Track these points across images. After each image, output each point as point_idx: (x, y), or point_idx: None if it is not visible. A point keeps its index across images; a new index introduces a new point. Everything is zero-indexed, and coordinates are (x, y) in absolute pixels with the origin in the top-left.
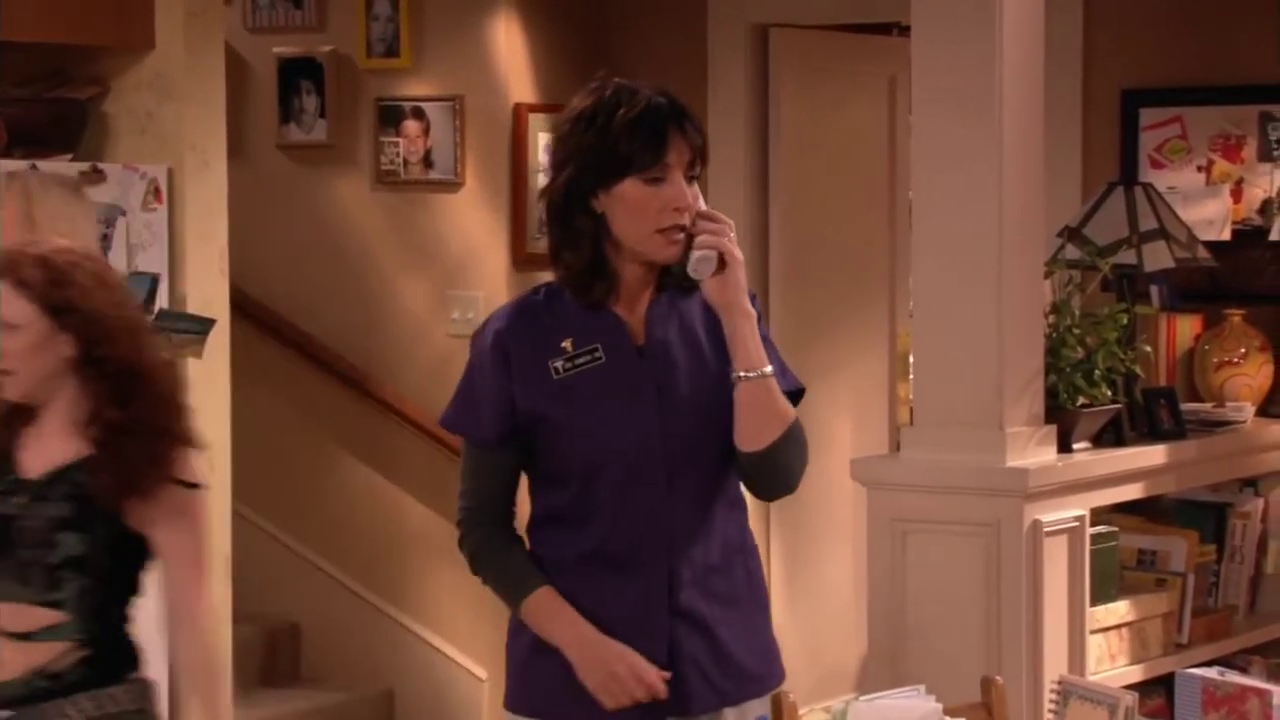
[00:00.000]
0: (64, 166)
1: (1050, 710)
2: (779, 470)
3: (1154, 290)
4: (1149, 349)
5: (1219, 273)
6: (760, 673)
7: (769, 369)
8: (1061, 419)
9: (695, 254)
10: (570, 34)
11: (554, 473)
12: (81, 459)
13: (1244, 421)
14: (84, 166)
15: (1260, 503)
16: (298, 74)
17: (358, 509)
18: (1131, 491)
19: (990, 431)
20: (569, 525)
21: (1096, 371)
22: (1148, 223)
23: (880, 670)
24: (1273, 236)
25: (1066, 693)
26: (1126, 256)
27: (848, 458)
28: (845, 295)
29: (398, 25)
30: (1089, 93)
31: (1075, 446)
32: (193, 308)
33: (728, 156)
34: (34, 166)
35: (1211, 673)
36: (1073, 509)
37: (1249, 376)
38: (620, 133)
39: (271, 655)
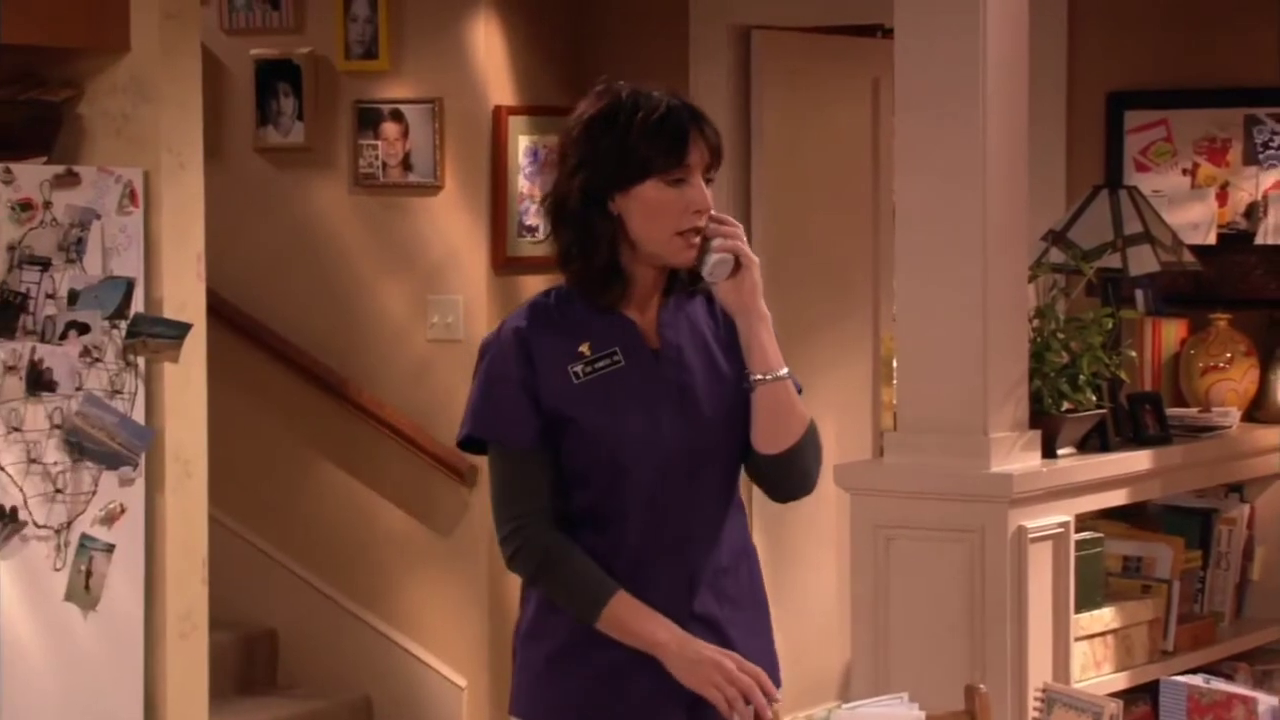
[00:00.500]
0: (38, 169)
1: (1034, 718)
2: (797, 472)
3: (1139, 294)
4: (1134, 354)
5: (1204, 277)
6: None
7: (785, 371)
8: (1046, 424)
9: (712, 257)
10: (550, 36)
11: (575, 475)
12: None
13: (1230, 427)
14: (59, 169)
15: (1246, 509)
16: (275, 76)
17: (336, 515)
18: (1116, 497)
19: (974, 437)
20: (590, 527)
21: (1081, 376)
22: (1133, 226)
23: (863, 677)
24: (1258, 240)
25: (1051, 700)
26: (1111, 260)
27: (831, 463)
28: (828, 299)
29: (376, 27)
30: (1074, 95)
31: (1060, 452)
32: (169, 312)
33: None
34: (8, 169)
35: (1197, 680)
36: (1057, 515)
37: (1235, 381)
38: (641, 135)
39: (248, 662)
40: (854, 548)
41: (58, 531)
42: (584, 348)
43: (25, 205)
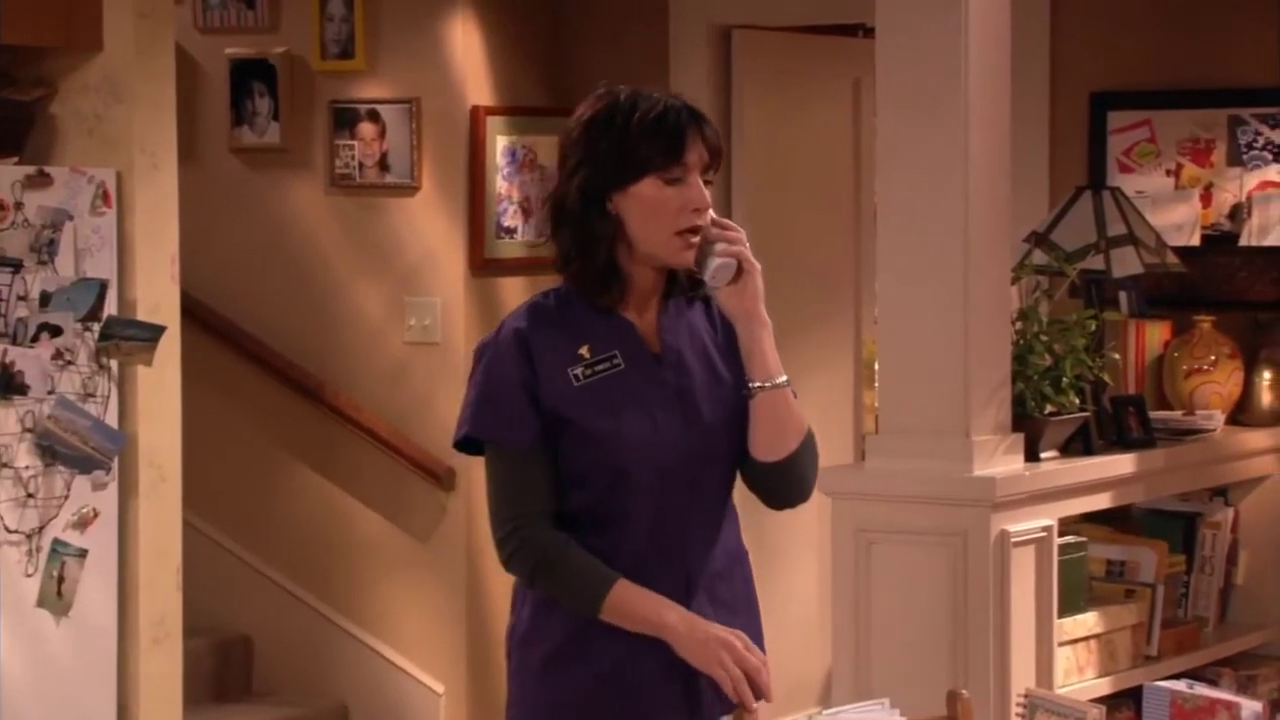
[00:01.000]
0: (9, 170)
1: None
2: (795, 480)
3: (1122, 296)
4: (1117, 356)
5: (1188, 278)
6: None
7: (784, 378)
8: (1029, 427)
9: (715, 261)
10: (529, 36)
11: (573, 477)
12: None
13: (1214, 430)
14: (30, 170)
15: (1230, 512)
16: (250, 76)
17: (312, 519)
18: (1100, 501)
19: (956, 440)
20: (588, 530)
21: (1064, 379)
22: (1116, 228)
23: (844, 683)
24: (1243, 242)
25: (1033, 706)
26: (1094, 262)
27: None
28: (809, 301)
29: (352, 26)
30: (1056, 95)
31: (1043, 455)
32: (142, 314)
33: None
34: None
35: (1180, 685)
36: (1040, 519)
37: (1219, 384)
38: (639, 132)
39: (222, 669)
40: (835, 552)
41: (29, 537)
42: (584, 350)
43: None
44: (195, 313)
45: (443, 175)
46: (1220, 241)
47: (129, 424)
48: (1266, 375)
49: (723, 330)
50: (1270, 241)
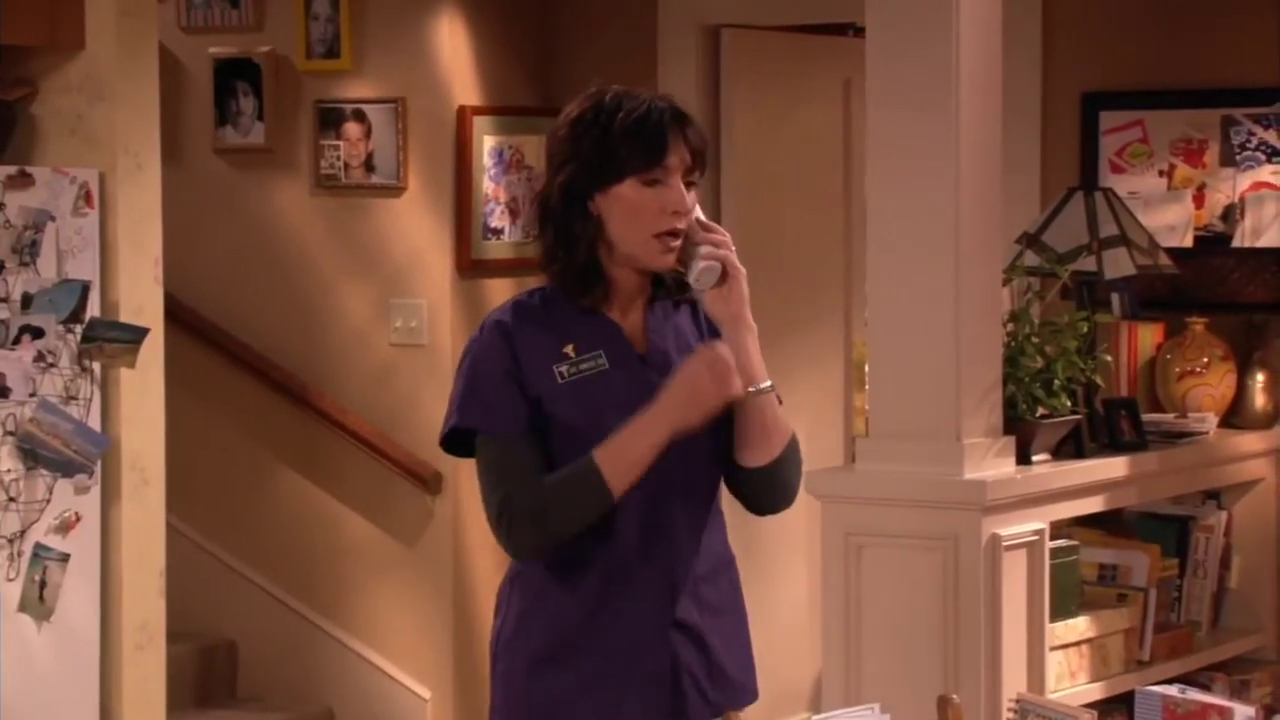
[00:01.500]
0: None
1: None
2: (779, 485)
3: (1115, 298)
4: (1109, 358)
5: (1181, 280)
6: (745, 685)
7: (769, 383)
8: (1020, 430)
9: (699, 264)
10: (516, 35)
11: None
12: None
13: (1207, 432)
14: (11, 170)
15: (1224, 516)
16: (234, 75)
17: (296, 523)
18: (1092, 504)
19: (947, 443)
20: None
21: (1056, 381)
22: (1108, 229)
23: (835, 688)
24: (1236, 243)
25: (1025, 711)
26: (1086, 263)
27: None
28: (799, 303)
29: (338, 25)
30: (1048, 95)
31: (1034, 458)
32: (125, 316)
33: None
34: None
35: (1172, 690)
36: (1032, 522)
37: (1212, 386)
38: (621, 133)
39: (207, 674)
40: (825, 556)
41: (11, 541)
42: (568, 348)
43: None
44: (179, 315)
45: (429, 176)
46: (1213, 243)
47: (111, 427)
48: (1260, 377)
49: (709, 333)
50: (1264, 243)
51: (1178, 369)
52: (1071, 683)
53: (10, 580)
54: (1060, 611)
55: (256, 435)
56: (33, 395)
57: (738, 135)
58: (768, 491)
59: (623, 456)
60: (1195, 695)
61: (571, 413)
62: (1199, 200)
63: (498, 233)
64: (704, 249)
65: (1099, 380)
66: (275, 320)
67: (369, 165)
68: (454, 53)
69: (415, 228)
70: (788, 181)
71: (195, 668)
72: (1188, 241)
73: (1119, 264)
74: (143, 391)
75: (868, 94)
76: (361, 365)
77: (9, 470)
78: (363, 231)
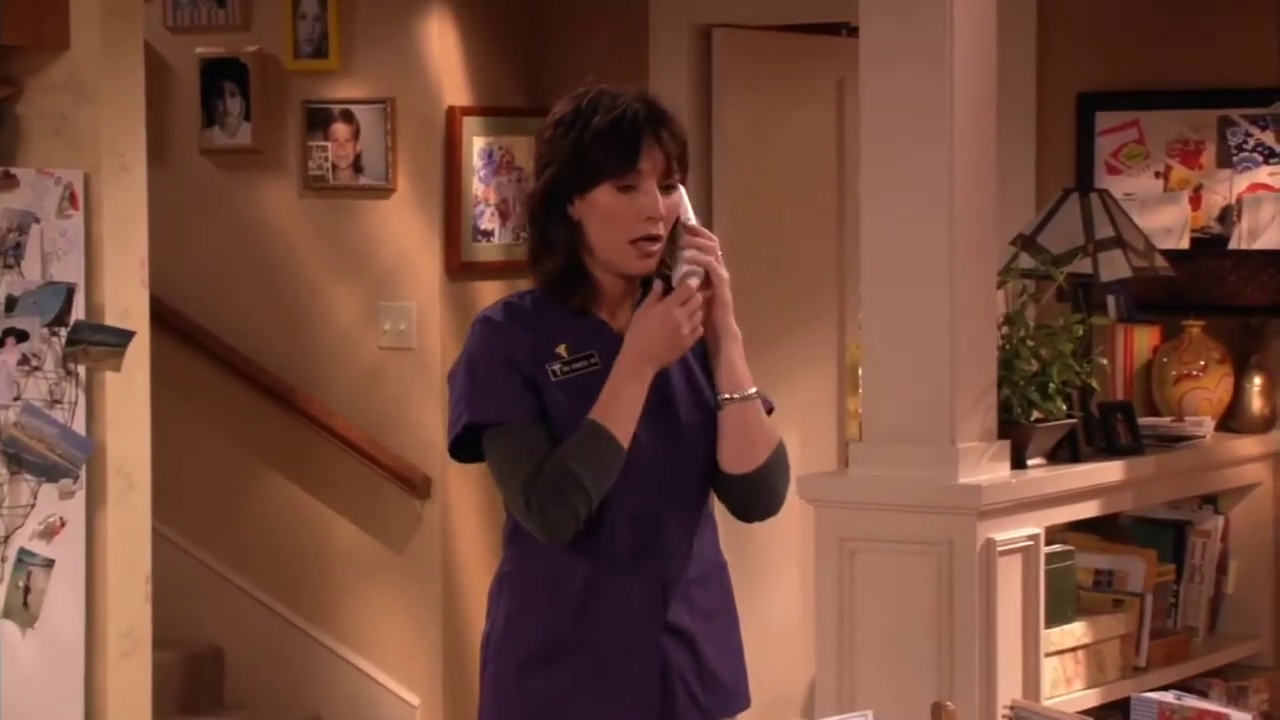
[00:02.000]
0: None
1: None
2: (765, 493)
3: (1110, 300)
4: (1105, 361)
5: (1177, 282)
6: (738, 690)
7: (754, 390)
8: (1015, 434)
9: (682, 268)
10: (506, 35)
11: None
12: None
13: (1204, 436)
14: None
15: (1220, 520)
16: (221, 75)
17: (284, 528)
18: (1088, 509)
19: (942, 447)
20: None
21: (1051, 385)
22: (1104, 231)
23: (828, 695)
24: (1233, 245)
25: (1020, 718)
26: (1082, 265)
27: (794, 474)
28: (792, 305)
29: (326, 25)
30: (1044, 95)
31: (1029, 463)
32: (111, 319)
33: None
34: None
35: (1168, 697)
36: (1027, 527)
37: (1209, 390)
38: (593, 139)
39: (193, 681)
40: (818, 561)
41: None
42: (561, 349)
43: None
44: (165, 317)
45: (418, 177)
46: (1210, 245)
47: (97, 431)
48: (1257, 381)
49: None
50: (1261, 245)
51: (1174, 372)
52: (1067, 689)
53: None
54: (1056, 617)
55: (244, 439)
56: (17, 399)
57: (730, 136)
58: (752, 499)
59: (615, 409)
60: (1192, 702)
61: (564, 411)
62: (1195, 202)
63: (487, 235)
64: (688, 253)
65: (1095, 384)
66: (262, 323)
67: (357, 166)
68: (443, 52)
69: (404, 229)
70: (780, 183)
71: (181, 675)
72: (1184, 243)
73: (1115, 266)
74: (128, 395)
75: (861, 94)
76: (350, 368)
77: None
78: (351, 233)
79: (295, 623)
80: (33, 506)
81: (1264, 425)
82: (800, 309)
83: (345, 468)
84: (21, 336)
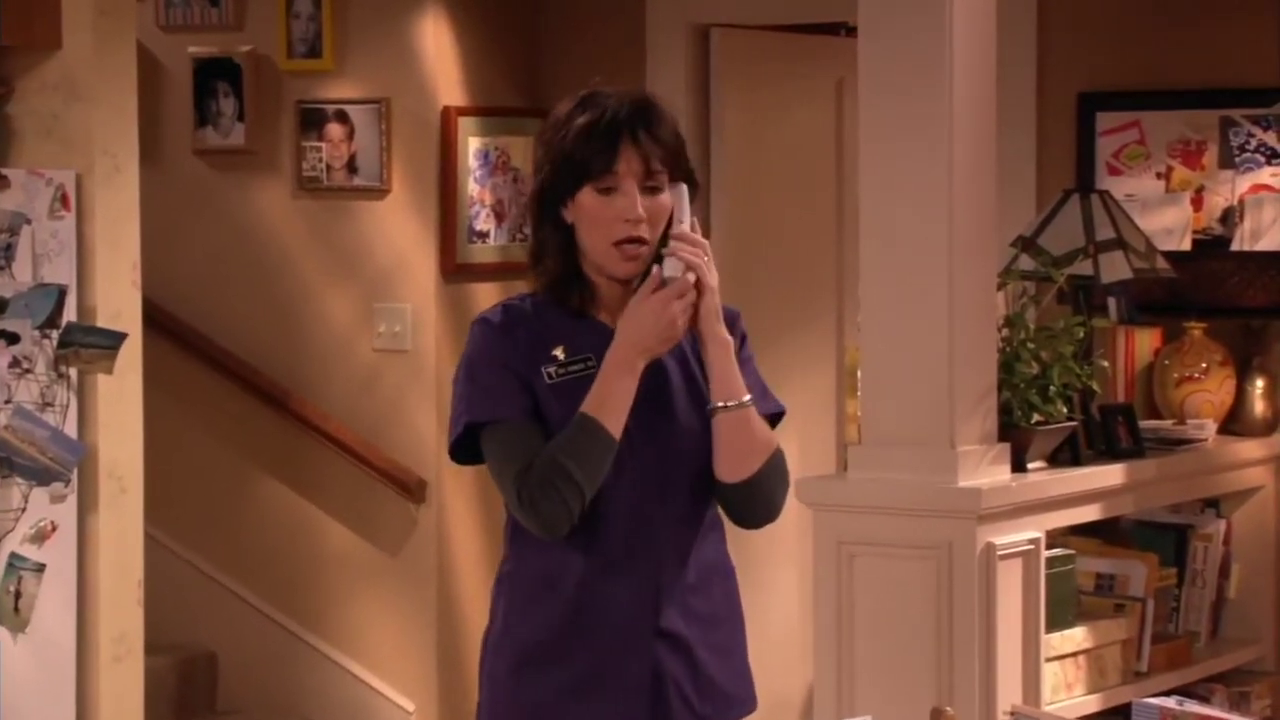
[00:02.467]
0: None
1: None
2: (760, 501)
3: (1111, 302)
4: (1106, 364)
5: (1179, 284)
6: (739, 696)
7: (747, 398)
8: (1015, 437)
9: (666, 274)
10: (502, 34)
11: None
12: None
13: (1205, 439)
14: None
15: (1223, 524)
16: (214, 75)
17: (278, 532)
18: (1088, 513)
19: (941, 450)
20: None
21: (1052, 387)
22: (1105, 232)
23: (827, 700)
24: (1235, 246)
25: None
26: (1083, 267)
27: (793, 477)
28: (790, 307)
29: (320, 24)
30: (1044, 96)
31: (1030, 466)
32: (103, 321)
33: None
34: None
35: (1170, 702)
36: (1027, 531)
37: (1210, 392)
38: (576, 141)
39: (186, 687)
40: (817, 565)
41: None
42: (558, 351)
43: None
44: (157, 319)
45: (413, 178)
46: (1212, 246)
47: (89, 434)
48: (1259, 383)
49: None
50: (1263, 246)
51: (1176, 374)
52: (1068, 694)
53: None
54: (1056, 622)
55: (237, 442)
56: (8, 402)
57: (728, 137)
58: (748, 507)
59: (607, 402)
60: (1193, 707)
61: (560, 414)
62: (1197, 203)
63: (483, 236)
64: (670, 260)
65: (1095, 386)
66: (256, 325)
67: (352, 167)
68: (438, 52)
69: (399, 231)
70: (779, 183)
71: (174, 680)
72: (1186, 245)
73: (1116, 268)
74: (120, 398)
75: (860, 94)
76: (344, 371)
77: None
78: (345, 235)
79: (289, 627)
80: (24, 510)
81: (1266, 428)
82: (798, 310)
83: (340, 471)
84: (12, 339)
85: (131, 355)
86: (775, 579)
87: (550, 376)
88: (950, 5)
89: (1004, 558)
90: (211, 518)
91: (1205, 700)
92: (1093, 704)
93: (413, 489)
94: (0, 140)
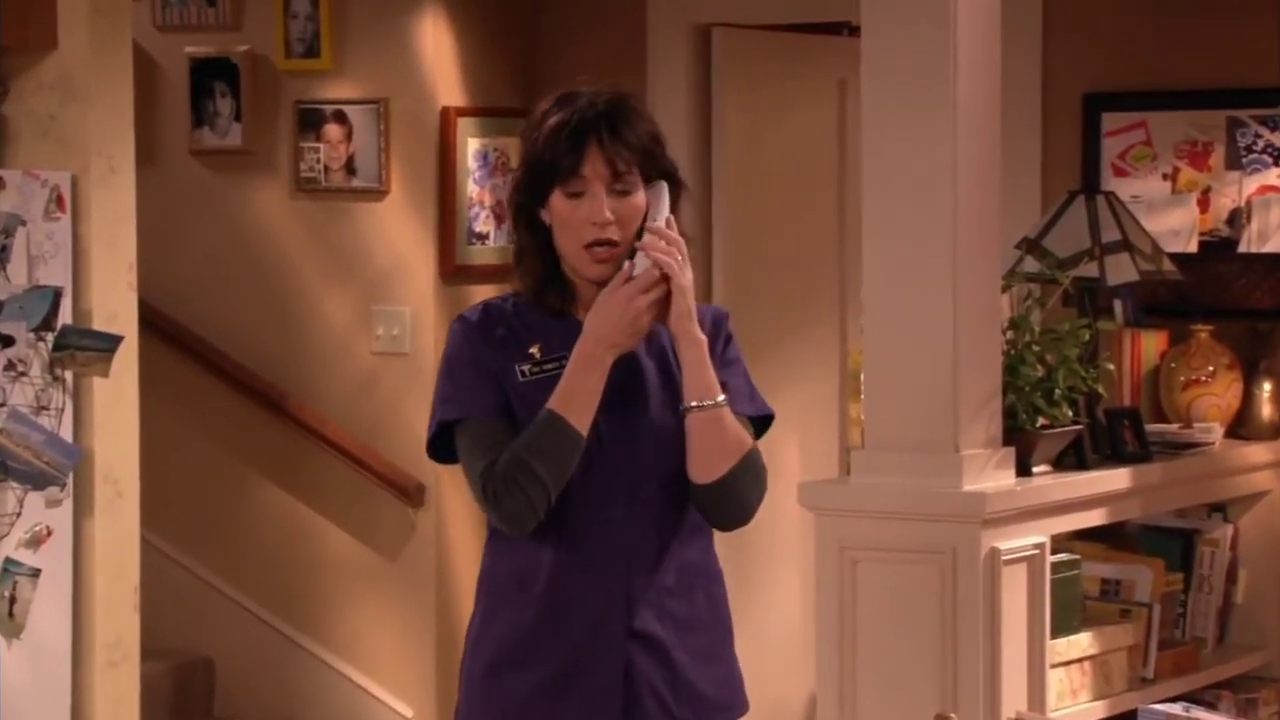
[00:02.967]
0: None
1: None
2: (733, 503)
3: (1117, 305)
4: (1112, 367)
5: (1185, 286)
6: (722, 701)
7: (721, 398)
8: (1020, 441)
9: (635, 271)
10: (501, 34)
11: None
12: None
13: (1212, 443)
14: None
15: (1229, 529)
16: (211, 75)
17: (275, 537)
18: (1094, 517)
19: (945, 454)
20: (529, 535)
21: (1057, 391)
22: (1110, 234)
23: (829, 706)
24: (1242, 248)
25: None
26: (1088, 269)
27: (795, 482)
28: (792, 309)
29: (318, 24)
30: (1049, 96)
31: (1035, 470)
32: (98, 324)
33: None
34: None
35: (1176, 709)
36: (1032, 536)
37: (1217, 396)
38: (545, 144)
39: (182, 693)
40: (819, 570)
41: None
42: (534, 349)
43: None
44: (154, 322)
45: (412, 179)
46: (1218, 248)
47: (84, 438)
48: (1266, 386)
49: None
50: (1270, 248)
51: (1182, 378)
52: (1073, 701)
53: None
54: (1061, 628)
55: (234, 446)
56: (3, 405)
57: (729, 137)
58: (719, 508)
59: (575, 398)
60: (1201, 714)
61: (529, 414)
62: (1204, 204)
63: (482, 237)
64: (641, 255)
65: (1101, 389)
66: (253, 327)
67: (350, 168)
68: (437, 52)
69: (398, 232)
70: (780, 185)
71: (170, 686)
72: (1192, 247)
73: (1122, 270)
74: (116, 401)
75: (863, 96)
76: (342, 374)
77: None
78: (344, 236)
79: (287, 633)
80: (19, 515)
81: (1274, 432)
82: (800, 313)
83: (337, 475)
84: (7, 341)
85: (128, 358)
86: (777, 584)
87: (524, 375)
88: (954, 5)
89: (1009, 563)
90: (208, 522)
91: (1212, 707)
92: (1098, 711)
93: (411, 493)
94: None
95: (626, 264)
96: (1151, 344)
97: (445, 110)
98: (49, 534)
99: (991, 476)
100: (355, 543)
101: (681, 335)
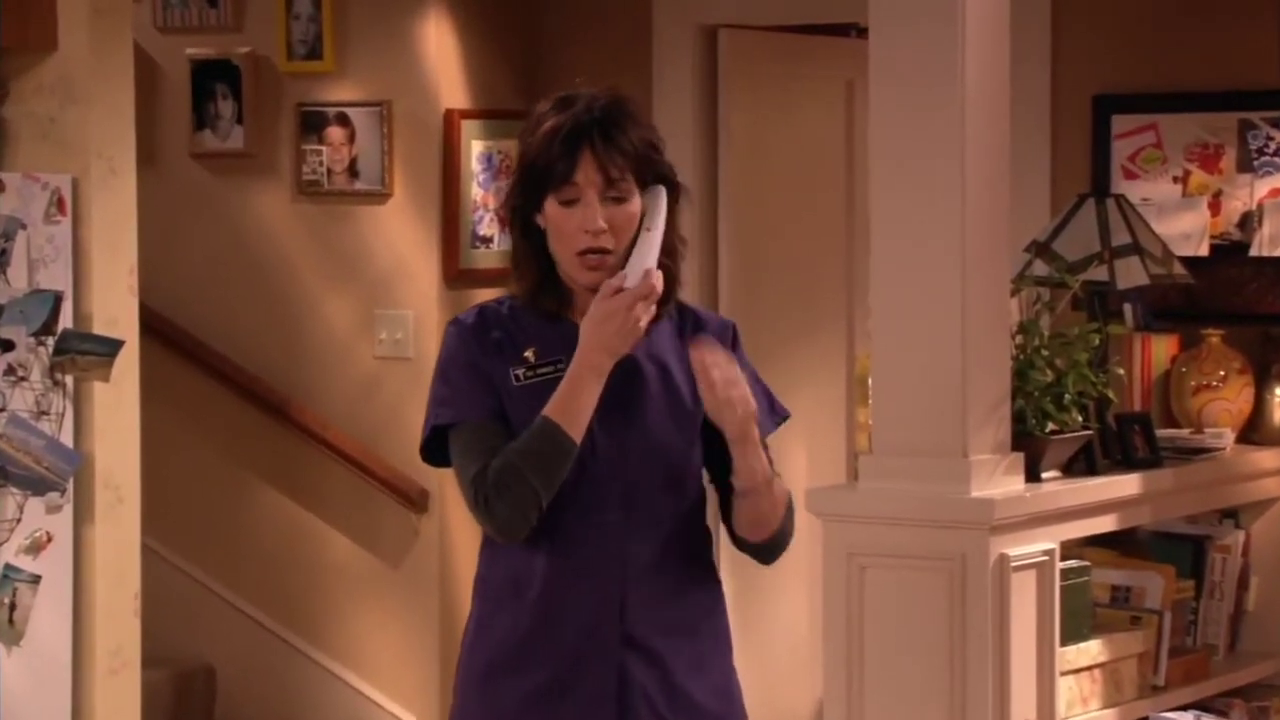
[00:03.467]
0: None
1: None
2: (779, 547)
3: (1127, 309)
4: (1122, 371)
5: (1196, 290)
6: (717, 711)
7: (771, 476)
8: (1029, 446)
9: (628, 284)
10: (506, 35)
11: None
12: None
13: (1223, 449)
14: None
15: (1241, 535)
16: (213, 77)
17: (277, 543)
18: (1104, 523)
19: (953, 460)
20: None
21: (1066, 395)
22: (1120, 237)
23: (836, 714)
24: (1253, 252)
25: None
26: (1098, 273)
27: (802, 488)
28: (799, 314)
29: (320, 26)
30: (1058, 98)
31: (1044, 475)
32: (99, 328)
33: (674, 166)
34: None
35: (1188, 717)
36: (1041, 542)
37: (1228, 401)
38: (539, 150)
39: (183, 701)
40: (826, 576)
41: None
42: (529, 353)
43: None
44: (155, 326)
45: (415, 181)
46: (1230, 251)
47: (85, 443)
48: (1278, 391)
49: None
50: None
51: (1193, 382)
52: (1083, 709)
53: None
54: (1071, 635)
55: (235, 451)
56: (2, 410)
57: (735, 139)
58: (764, 555)
59: (572, 405)
60: None
61: (527, 416)
62: (1215, 207)
63: (486, 241)
64: (633, 265)
65: (1111, 394)
66: (255, 332)
67: (353, 171)
68: (441, 54)
69: (401, 236)
70: (787, 187)
71: (171, 694)
72: (1203, 250)
73: (1132, 273)
74: (117, 406)
75: (870, 97)
76: (345, 378)
77: None
78: (346, 240)
79: (288, 640)
80: (19, 521)
81: None
82: (807, 317)
83: (340, 480)
84: (7, 346)
85: (128, 362)
86: (784, 590)
87: (519, 379)
88: (963, 7)
89: (1018, 569)
90: (209, 528)
91: (1223, 715)
92: (1108, 719)
93: (414, 499)
94: None
95: (619, 274)
96: (1162, 348)
97: (449, 112)
98: (49, 540)
99: (1000, 482)
100: (357, 549)
101: (745, 438)
